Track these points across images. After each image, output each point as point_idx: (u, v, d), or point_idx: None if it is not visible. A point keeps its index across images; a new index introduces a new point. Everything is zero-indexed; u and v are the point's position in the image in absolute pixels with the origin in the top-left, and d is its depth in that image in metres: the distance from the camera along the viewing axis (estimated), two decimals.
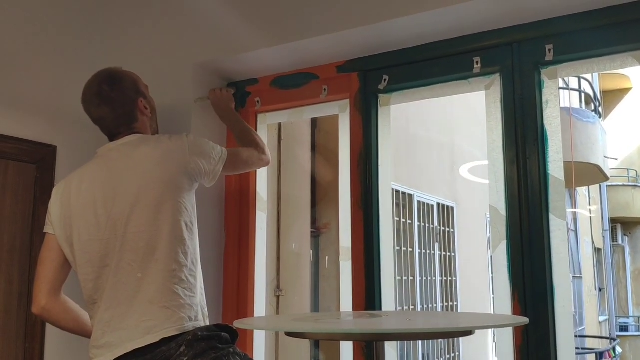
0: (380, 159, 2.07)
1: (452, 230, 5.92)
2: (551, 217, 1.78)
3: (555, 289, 1.75)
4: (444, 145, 6.07)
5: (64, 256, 1.67)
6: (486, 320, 1.45)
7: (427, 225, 5.41)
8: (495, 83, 1.91)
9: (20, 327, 2.09)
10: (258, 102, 2.31)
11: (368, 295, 1.97)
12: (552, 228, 1.78)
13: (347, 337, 1.29)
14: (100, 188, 1.63)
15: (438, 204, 5.68)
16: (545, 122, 1.82)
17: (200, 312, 1.60)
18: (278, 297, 2.80)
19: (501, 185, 1.86)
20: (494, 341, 6.88)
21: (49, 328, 2.13)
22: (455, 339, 5.71)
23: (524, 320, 1.28)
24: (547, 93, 1.84)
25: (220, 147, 1.79)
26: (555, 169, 1.80)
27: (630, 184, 16.45)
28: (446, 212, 5.86)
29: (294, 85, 2.24)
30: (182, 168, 1.64)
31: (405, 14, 1.86)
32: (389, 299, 2.01)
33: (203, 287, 1.68)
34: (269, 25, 2.10)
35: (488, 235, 7.09)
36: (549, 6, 1.77)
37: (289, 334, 1.18)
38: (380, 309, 1.97)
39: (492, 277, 1.86)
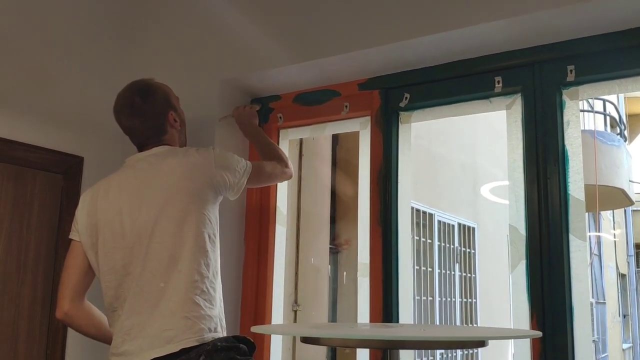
0: (399, 176, 2.08)
1: (473, 251, 5.87)
2: (571, 237, 1.77)
3: (575, 310, 1.73)
4: (465, 165, 6.05)
5: (88, 263, 1.70)
6: (500, 332, 1.45)
7: (447, 245, 5.38)
8: (517, 103, 1.92)
9: (43, 332, 2.13)
10: (280, 118, 2.35)
11: (385, 311, 1.97)
12: (572, 249, 1.77)
13: (361, 343, 1.30)
14: (127, 197, 1.67)
15: (459, 224, 5.65)
16: (566, 142, 1.82)
17: (219, 324, 1.62)
18: (295, 311, 2.80)
19: (521, 205, 1.85)
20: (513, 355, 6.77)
21: (70, 335, 2.17)
22: (474, 354, 5.65)
23: (537, 333, 1.28)
24: (569, 113, 1.84)
25: (245, 161, 1.82)
26: (576, 189, 1.79)
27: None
28: (467, 233, 5.82)
29: (316, 102, 2.27)
30: (208, 181, 1.67)
31: (427, 33, 1.89)
32: (406, 315, 2.01)
33: (222, 299, 1.70)
34: (292, 43, 2.14)
35: (509, 256, 7.01)
36: (571, 27, 1.78)
37: (304, 340, 1.19)
38: (397, 321, 1.97)
39: (511, 296, 1.85)
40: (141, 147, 1.79)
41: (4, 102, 2.07)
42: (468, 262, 5.78)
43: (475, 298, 5.82)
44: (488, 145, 6.66)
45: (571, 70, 1.82)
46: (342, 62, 2.09)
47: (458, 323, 5.42)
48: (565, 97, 1.85)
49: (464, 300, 5.62)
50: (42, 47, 2.22)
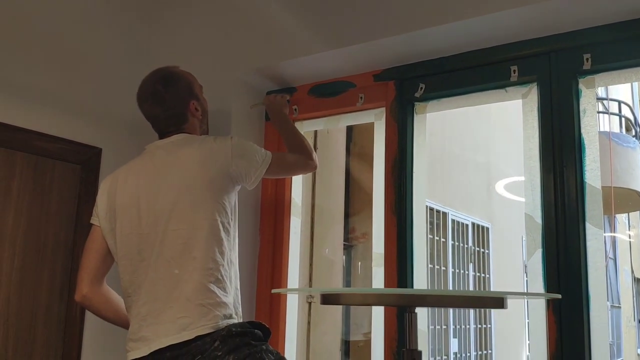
0: (414, 165, 2.08)
1: (487, 251, 5.84)
2: (587, 225, 1.77)
3: (591, 298, 1.73)
4: (479, 164, 6.03)
5: (107, 247, 1.73)
6: (519, 292, 1.45)
7: (461, 244, 5.36)
8: (532, 92, 1.92)
9: (61, 320, 2.15)
10: (295, 110, 2.36)
11: None
12: (588, 237, 1.76)
13: (380, 299, 1.30)
14: (145, 184, 1.69)
15: (473, 224, 5.63)
16: (582, 130, 1.82)
17: (234, 312, 1.63)
18: (310, 303, 2.81)
19: (537, 194, 1.85)
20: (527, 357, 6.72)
21: (88, 322, 2.20)
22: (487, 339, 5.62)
23: (557, 295, 1.31)
24: (585, 102, 1.84)
25: (264, 151, 1.82)
26: (592, 177, 1.79)
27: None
28: (481, 233, 5.79)
29: (331, 94, 2.28)
30: (225, 169, 1.68)
31: (442, 23, 1.89)
32: (422, 308, 2.00)
33: (239, 287, 1.71)
34: (307, 35, 2.16)
35: (524, 259, 6.97)
36: (587, 15, 1.77)
37: (324, 301, 1.19)
38: None
39: (527, 285, 1.85)
40: (162, 135, 1.81)
41: (24, 92, 2.10)
42: (482, 262, 5.75)
43: None
44: (503, 146, 6.63)
45: (587, 59, 1.81)
46: (358, 53, 2.10)
47: (472, 322, 5.39)
48: (581, 86, 1.85)
49: None
50: (62, 38, 2.25)
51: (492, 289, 5.85)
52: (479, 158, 6.00)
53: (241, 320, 1.66)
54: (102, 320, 1.81)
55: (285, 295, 2.26)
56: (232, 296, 1.65)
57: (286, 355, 2.25)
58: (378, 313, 2.11)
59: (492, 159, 6.34)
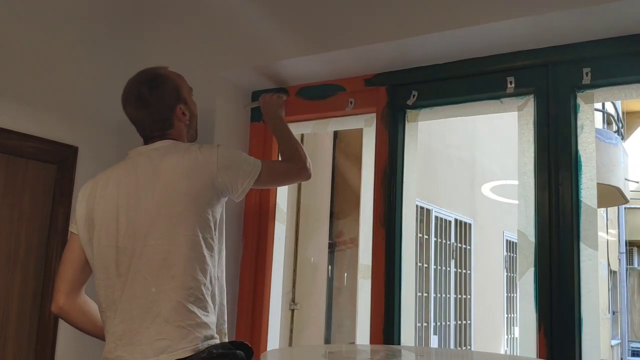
0: (405, 176, 2.02)
1: (468, 247, 5.83)
2: (582, 246, 1.72)
3: (583, 322, 1.68)
4: (464, 161, 6.00)
5: (85, 257, 1.64)
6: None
7: (444, 241, 5.33)
8: (529, 104, 1.85)
9: (33, 329, 2.06)
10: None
11: (387, 316, 1.92)
12: (582, 257, 1.71)
13: None
14: (125, 194, 1.60)
15: (456, 220, 5.60)
16: (579, 147, 1.76)
17: (215, 331, 1.55)
18: (293, 310, 2.74)
19: (531, 211, 1.80)
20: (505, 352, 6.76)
21: (61, 331, 2.11)
22: (466, 335, 5.63)
23: None
24: (583, 117, 1.78)
25: (254, 160, 1.71)
26: (588, 196, 1.74)
27: (637, 206, 16.16)
28: (463, 229, 5.77)
29: (319, 97, 2.20)
30: (209, 182, 1.59)
31: (438, 30, 1.81)
32: (408, 321, 1.95)
33: (225, 302, 1.64)
34: (297, 36, 2.07)
35: (504, 253, 6.99)
36: (588, 28, 1.71)
37: None
38: (399, 330, 1.92)
39: (518, 304, 1.80)
40: (146, 140, 1.71)
41: None
42: (463, 258, 5.74)
43: (470, 294, 5.79)
44: (487, 142, 6.61)
45: (587, 73, 1.75)
46: (349, 57, 2.02)
47: (452, 319, 5.38)
48: (579, 101, 1.79)
49: (459, 296, 5.59)
50: (36, 32, 2.13)
51: (472, 285, 5.84)
52: (463, 155, 5.97)
53: (226, 338, 1.60)
54: (77, 332, 1.73)
55: (268, 304, 2.19)
56: (215, 315, 1.58)
57: None
58: (363, 319, 2.06)
59: (477, 155, 6.31)
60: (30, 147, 2.08)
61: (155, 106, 1.68)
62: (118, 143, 2.36)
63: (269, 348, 2.19)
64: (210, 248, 1.57)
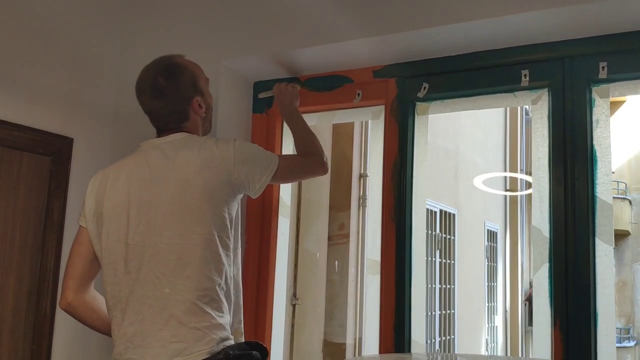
0: (415, 170, 1.98)
1: (452, 237, 5.85)
2: (597, 241, 1.71)
3: (599, 317, 1.68)
4: (448, 152, 6.01)
5: (94, 252, 1.58)
6: None
7: (429, 232, 5.34)
8: (543, 98, 1.83)
9: (29, 328, 1.98)
10: None
11: (398, 312, 1.89)
12: (597, 253, 1.70)
13: None
14: (137, 188, 1.53)
15: (441, 211, 5.61)
16: (595, 142, 1.75)
17: (230, 332, 1.50)
18: (294, 305, 2.70)
19: (545, 206, 1.78)
20: (487, 350, 6.85)
21: (57, 330, 2.04)
22: (451, 324, 5.67)
23: None
24: (598, 112, 1.76)
25: (270, 155, 1.65)
26: (604, 191, 1.72)
27: (619, 196, 16.50)
28: (448, 219, 5.79)
29: (326, 88, 2.15)
30: (225, 178, 1.52)
31: (452, 22, 1.77)
32: (419, 317, 1.93)
33: (241, 302, 1.59)
34: (303, 25, 2.00)
35: (486, 243, 7.05)
36: (604, 22, 1.69)
37: None
38: (409, 326, 1.89)
39: (530, 305, 1.79)
40: (159, 132, 1.63)
41: None
42: (448, 249, 5.76)
43: (454, 284, 5.82)
44: (470, 133, 6.63)
45: (603, 67, 1.74)
46: (357, 47, 1.97)
47: (437, 309, 5.41)
48: (595, 95, 1.77)
49: (444, 286, 5.62)
50: (29, 21, 2.03)
51: (456, 276, 5.88)
52: (447, 145, 5.97)
53: (243, 338, 1.55)
54: (73, 329, 1.67)
55: (272, 300, 2.14)
56: (231, 315, 1.53)
57: (273, 356, 2.15)
58: (372, 316, 2.02)
59: (460, 145, 6.33)
60: (23, 139, 2.00)
61: (171, 97, 1.60)
62: (115, 133, 2.28)
63: (273, 344, 2.15)
64: (226, 247, 1.51)
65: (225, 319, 1.49)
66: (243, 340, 1.60)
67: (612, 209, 1.72)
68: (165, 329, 1.43)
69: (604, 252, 1.70)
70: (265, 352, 1.56)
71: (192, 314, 1.43)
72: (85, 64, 2.22)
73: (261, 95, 2.16)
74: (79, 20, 2.20)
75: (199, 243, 1.46)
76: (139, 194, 1.52)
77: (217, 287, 1.47)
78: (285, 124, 2.27)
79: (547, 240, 1.76)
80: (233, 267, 1.56)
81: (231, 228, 1.54)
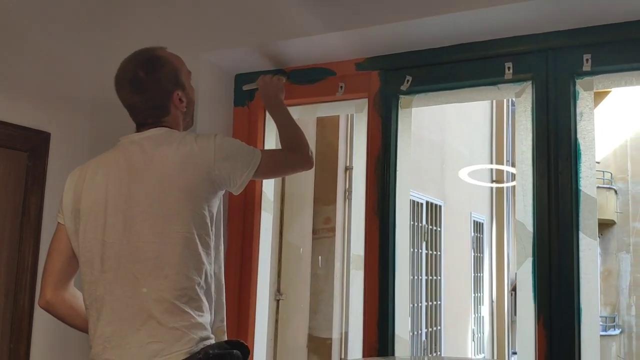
0: (398, 164, 1.96)
1: (439, 229, 5.86)
2: (581, 235, 1.69)
3: (583, 312, 1.67)
4: (434, 143, 6.00)
5: (72, 249, 1.55)
6: None
7: (416, 223, 5.33)
8: (527, 91, 1.81)
9: (6, 326, 1.94)
10: None
11: (381, 308, 1.87)
12: (581, 247, 1.69)
13: None
14: (115, 185, 1.49)
15: (427, 203, 5.61)
16: (578, 135, 1.73)
17: (212, 330, 1.48)
18: (278, 301, 2.68)
19: (529, 200, 1.76)
20: (473, 340, 6.89)
21: (36, 328, 2.00)
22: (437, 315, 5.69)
23: None
24: (582, 105, 1.75)
25: (253, 150, 1.61)
26: (588, 185, 1.71)
27: (605, 186, 16.65)
28: (434, 211, 5.79)
29: (308, 81, 2.11)
30: (205, 174, 1.48)
31: (435, 14, 1.75)
32: (403, 313, 1.91)
33: (224, 301, 1.56)
34: (284, 17, 1.97)
35: (472, 234, 7.07)
36: (589, 14, 1.67)
37: None
38: (393, 323, 1.88)
39: (516, 295, 1.78)
40: (139, 127, 1.59)
41: None
42: (434, 240, 5.77)
43: (440, 275, 5.83)
44: (455, 124, 6.63)
45: (587, 59, 1.72)
46: (339, 39, 1.93)
47: (424, 300, 5.42)
48: (579, 87, 1.75)
49: (430, 278, 5.63)
50: (3, 12, 1.98)
51: (442, 267, 5.89)
52: (433, 137, 5.96)
53: (225, 337, 1.53)
54: (53, 327, 1.64)
55: (255, 296, 2.11)
56: (212, 314, 1.50)
57: (255, 353, 2.13)
58: (356, 311, 2.00)
59: (447, 137, 6.33)
60: None
61: (152, 91, 1.56)
62: (93, 128, 2.24)
63: (256, 341, 2.12)
64: (206, 245, 1.48)
65: (206, 318, 1.47)
66: (225, 339, 1.57)
67: (596, 203, 1.71)
68: (143, 329, 1.40)
69: (587, 247, 1.69)
70: (246, 351, 1.53)
71: (171, 314, 1.40)
72: (62, 56, 2.16)
73: (245, 87, 2.13)
74: (55, 11, 2.15)
75: (177, 242, 1.43)
76: (117, 191, 1.49)
77: (196, 287, 1.44)
78: (268, 118, 2.24)
79: (531, 235, 1.74)
80: (214, 265, 1.53)
81: (212, 226, 1.51)
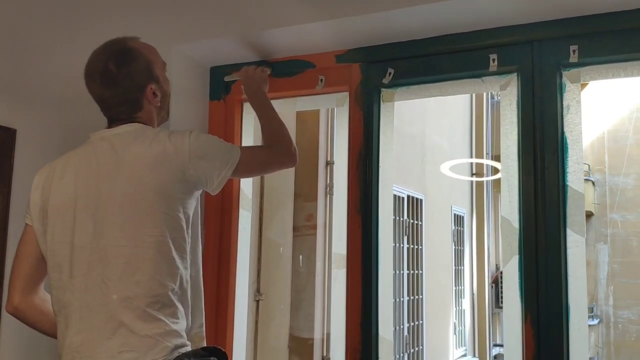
0: (381, 159, 1.90)
1: (420, 222, 5.83)
2: (569, 232, 1.65)
3: (571, 310, 1.63)
4: (414, 136, 5.96)
5: (41, 251, 1.47)
6: None
7: (397, 218, 5.29)
8: (512, 83, 1.76)
9: None
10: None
11: (364, 308, 1.81)
12: (569, 244, 1.65)
13: None
14: (84, 185, 1.41)
15: (408, 197, 5.57)
16: (565, 129, 1.69)
17: (188, 337, 1.41)
18: (258, 301, 2.60)
19: (515, 196, 1.71)
20: (455, 333, 6.90)
21: (3, 335, 1.90)
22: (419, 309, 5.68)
23: None
24: (569, 97, 1.70)
25: (231, 148, 1.53)
26: (575, 180, 1.67)
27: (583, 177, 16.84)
28: (415, 205, 5.76)
29: (287, 74, 2.04)
30: (179, 174, 1.40)
31: (417, 3, 1.68)
32: (386, 313, 1.86)
33: (202, 306, 1.51)
34: (260, 7, 1.89)
35: (453, 227, 7.06)
36: (575, 4, 1.62)
37: None
38: (377, 324, 1.82)
39: (502, 293, 1.73)
40: (110, 122, 1.51)
41: None
42: (415, 234, 5.74)
43: (422, 269, 5.80)
44: (436, 117, 6.59)
45: (574, 51, 1.67)
46: (318, 30, 1.87)
47: (405, 295, 5.39)
48: (565, 80, 1.70)
49: (411, 272, 5.60)
50: None
51: (424, 261, 5.86)
52: (413, 130, 5.92)
53: (204, 343, 1.46)
54: (21, 333, 1.56)
55: (233, 298, 2.04)
56: (188, 320, 1.43)
57: (234, 355, 2.06)
58: (338, 312, 1.95)
59: (427, 130, 6.29)
60: None
61: (123, 86, 1.47)
62: (62, 124, 2.14)
63: (235, 342, 2.06)
64: (181, 249, 1.41)
65: (181, 324, 1.39)
66: (205, 345, 1.51)
67: (583, 199, 1.66)
68: (115, 337, 1.33)
69: (575, 243, 1.65)
70: (224, 357, 1.47)
71: (143, 322, 1.33)
72: (28, 48, 2.06)
73: (227, 78, 2.05)
74: (20, 1, 2.04)
75: (149, 246, 1.35)
76: (86, 192, 1.40)
77: (169, 293, 1.37)
78: (245, 112, 2.17)
79: (517, 232, 1.70)
80: (190, 269, 1.45)
81: (187, 228, 1.43)
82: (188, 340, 1.44)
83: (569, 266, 1.64)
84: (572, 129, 1.69)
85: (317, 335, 2.79)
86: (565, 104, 1.70)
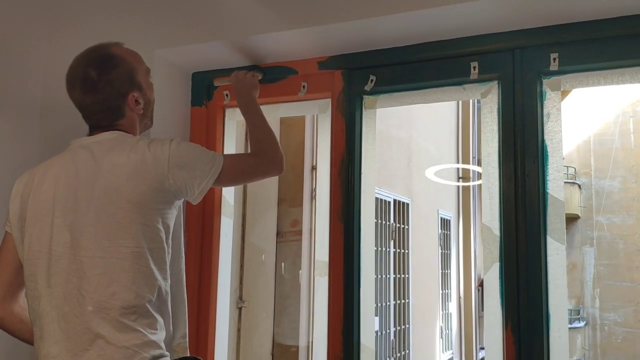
0: (363, 167, 1.89)
1: (406, 227, 5.84)
2: (549, 239, 1.65)
3: (551, 318, 1.63)
4: (401, 140, 5.97)
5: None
6: None
7: (383, 222, 5.29)
8: (493, 91, 1.76)
9: None
10: (227, 95, 2.09)
11: (346, 317, 1.80)
12: (549, 252, 1.65)
13: None
14: (62, 193, 1.39)
15: (395, 201, 5.58)
16: (545, 136, 1.69)
17: (167, 348, 1.39)
18: (240, 309, 2.59)
19: (495, 203, 1.72)
20: (441, 337, 6.90)
21: None
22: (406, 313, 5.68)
23: None
24: (549, 105, 1.71)
25: (213, 156, 1.49)
26: (555, 187, 1.67)
27: (569, 181, 16.95)
28: (402, 209, 5.77)
29: (268, 80, 2.03)
30: (157, 184, 1.38)
31: (398, 11, 1.68)
32: (369, 321, 1.85)
33: (184, 316, 1.50)
34: (243, 13, 1.88)
35: (439, 231, 7.08)
36: (556, 12, 1.63)
37: None
38: (359, 332, 1.81)
39: (483, 301, 1.73)
40: (92, 130, 1.49)
41: None
42: (402, 238, 5.74)
43: (408, 273, 5.81)
44: (423, 120, 6.61)
45: (554, 59, 1.68)
46: (301, 37, 1.86)
47: (392, 299, 5.39)
48: (546, 87, 1.71)
49: (398, 276, 5.60)
50: None
51: (410, 265, 5.87)
52: (401, 134, 5.93)
53: (187, 354, 1.45)
54: (3, 343, 1.54)
55: (215, 305, 2.03)
56: (167, 330, 1.41)
57: None
58: (321, 320, 1.94)
59: (414, 134, 6.31)
60: None
61: (104, 93, 1.45)
62: (43, 130, 2.12)
63: (216, 351, 2.04)
64: (160, 260, 1.39)
65: (159, 335, 1.38)
66: (188, 355, 1.50)
67: (563, 206, 1.67)
68: (92, 348, 1.31)
69: (555, 251, 1.65)
70: None
71: (120, 332, 1.31)
72: (8, 53, 2.04)
73: (217, 82, 2.04)
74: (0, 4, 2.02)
75: (126, 257, 1.34)
76: (65, 200, 1.39)
77: (147, 304, 1.35)
78: (227, 118, 2.16)
79: (498, 239, 1.70)
80: (171, 280, 1.43)
81: (167, 239, 1.41)
82: (170, 350, 1.43)
83: (549, 273, 1.65)
84: (553, 137, 1.69)
85: (302, 343, 2.77)
86: (545, 111, 1.70)
